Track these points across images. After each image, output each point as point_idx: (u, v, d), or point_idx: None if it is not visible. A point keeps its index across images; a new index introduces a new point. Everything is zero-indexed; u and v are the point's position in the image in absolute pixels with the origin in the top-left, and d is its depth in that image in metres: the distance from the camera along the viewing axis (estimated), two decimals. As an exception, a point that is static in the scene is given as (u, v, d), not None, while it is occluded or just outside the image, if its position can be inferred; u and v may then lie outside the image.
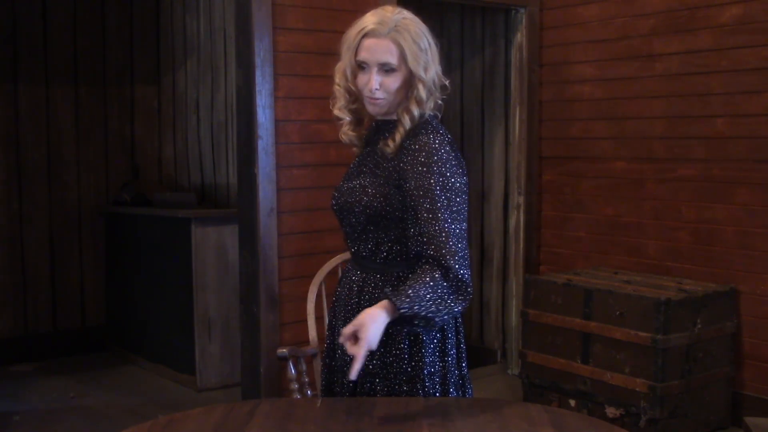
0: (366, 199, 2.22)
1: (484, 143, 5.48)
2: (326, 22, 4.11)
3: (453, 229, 2.12)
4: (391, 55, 2.17)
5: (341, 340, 2.07)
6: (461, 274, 2.09)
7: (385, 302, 2.06)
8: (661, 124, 4.54)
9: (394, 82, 2.20)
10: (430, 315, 2.06)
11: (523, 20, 5.04)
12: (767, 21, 4.09)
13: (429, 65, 2.21)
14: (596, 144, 4.85)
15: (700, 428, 4.10)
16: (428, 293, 2.06)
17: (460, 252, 2.10)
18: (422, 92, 2.20)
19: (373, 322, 2.03)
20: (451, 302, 2.09)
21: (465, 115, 5.60)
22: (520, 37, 5.06)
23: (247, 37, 3.94)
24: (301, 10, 4.07)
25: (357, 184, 2.28)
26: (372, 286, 2.28)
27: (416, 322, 2.08)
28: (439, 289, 2.08)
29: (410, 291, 2.06)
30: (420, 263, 2.16)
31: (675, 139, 4.48)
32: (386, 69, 2.19)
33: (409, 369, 2.24)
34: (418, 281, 2.08)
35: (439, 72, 2.26)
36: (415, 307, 2.04)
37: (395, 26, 2.18)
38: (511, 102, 5.16)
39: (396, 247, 2.24)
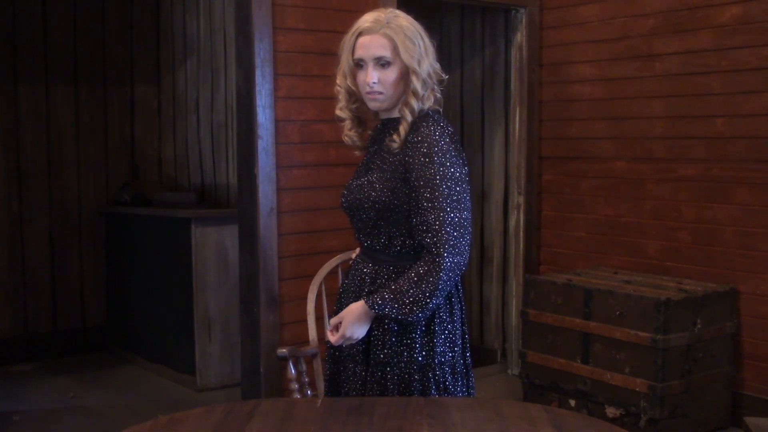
0: (374, 194, 2.31)
1: (484, 143, 5.48)
2: (326, 22, 4.11)
3: (452, 218, 2.21)
4: (384, 49, 2.28)
5: (329, 329, 2.33)
6: (447, 263, 2.19)
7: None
8: (661, 124, 4.54)
9: (390, 75, 2.29)
10: (400, 317, 2.22)
11: (523, 20, 5.04)
12: (767, 21, 4.09)
13: (422, 58, 2.30)
14: (596, 144, 4.85)
15: (700, 428, 4.10)
16: (411, 289, 2.21)
17: (452, 240, 2.20)
18: (417, 84, 2.29)
19: (351, 315, 2.28)
20: (429, 299, 2.21)
21: (465, 115, 5.60)
22: (520, 37, 5.06)
23: (247, 37, 3.94)
24: (301, 10, 4.07)
25: (365, 180, 2.36)
26: (385, 278, 2.36)
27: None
28: (423, 284, 2.20)
29: (394, 287, 2.23)
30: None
31: (675, 139, 4.48)
32: (382, 63, 2.29)
33: (420, 358, 2.32)
34: (406, 277, 2.23)
35: (436, 66, 2.35)
36: (386, 309, 2.22)
37: (387, 23, 2.28)
38: (511, 102, 5.16)
39: (408, 241, 2.32)
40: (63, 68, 5.70)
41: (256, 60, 3.92)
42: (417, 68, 2.27)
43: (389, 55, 2.27)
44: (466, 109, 5.59)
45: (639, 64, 4.60)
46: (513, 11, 5.07)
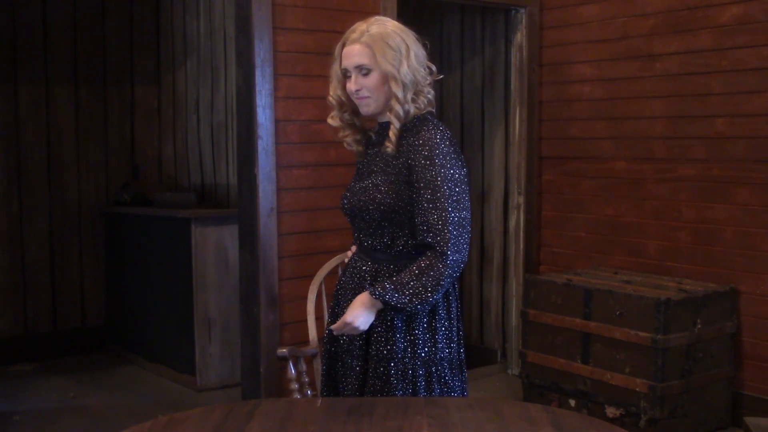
0: (379, 196, 2.36)
1: (484, 143, 5.48)
2: (326, 22, 4.11)
3: (452, 217, 2.28)
4: (363, 57, 2.35)
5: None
6: (450, 260, 2.26)
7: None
8: (661, 124, 4.54)
9: (371, 81, 2.36)
10: (400, 306, 2.27)
11: (523, 20, 5.04)
12: (767, 21, 4.09)
13: (401, 62, 2.34)
14: (596, 144, 4.85)
15: (700, 428, 4.10)
16: (412, 281, 2.27)
17: (453, 239, 2.27)
18: (398, 90, 2.34)
19: (358, 302, 2.30)
20: (429, 293, 2.27)
21: (465, 115, 5.60)
22: (520, 37, 5.06)
23: (247, 37, 3.94)
24: (301, 10, 4.07)
25: (369, 183, 2.41)
26: (386, 276, 2.39)
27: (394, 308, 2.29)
28: (424, 278, 2.26)
29: (395, 278, 2.29)
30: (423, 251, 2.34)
31: (675, 139, 4.48)
32: (363, 72, 2.36)
33: (423, 354, 2.37)
34: (407, 270, 2.29)
35: (421, 69, 2.38)
36: (387, 296, 2.26)
37: (368, 31, 2.35)
38: (511, 102, 5.16)
39: (411, 241, 2.38)
40: (63, 68, 5.70)
41: (256, 60, 3.92)
42: (396, 74, 2.33)
43: (368, 62, 2.34)
44: (466, 109, 5.59)
45: (639, 64, 4.60)
46: (513, 11, 5.07)
